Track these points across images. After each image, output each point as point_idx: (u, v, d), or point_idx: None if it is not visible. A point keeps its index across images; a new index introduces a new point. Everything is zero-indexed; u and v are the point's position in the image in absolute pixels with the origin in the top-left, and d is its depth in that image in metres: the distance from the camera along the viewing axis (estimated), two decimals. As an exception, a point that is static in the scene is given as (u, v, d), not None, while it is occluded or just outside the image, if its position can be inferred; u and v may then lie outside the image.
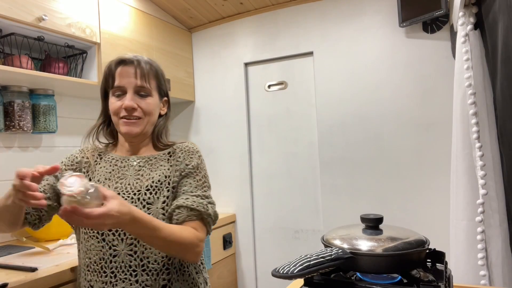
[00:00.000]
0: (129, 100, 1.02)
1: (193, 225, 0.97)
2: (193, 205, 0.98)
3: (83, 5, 1.76)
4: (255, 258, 2.37)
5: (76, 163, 1.10)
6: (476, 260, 1.21)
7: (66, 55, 1.81)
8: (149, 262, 0.97)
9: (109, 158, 1.09)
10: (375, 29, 2.00)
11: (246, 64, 2.40)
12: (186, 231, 0.94)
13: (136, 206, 0.97)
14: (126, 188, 1.02)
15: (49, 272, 1.20)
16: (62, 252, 1.44)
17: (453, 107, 1.36)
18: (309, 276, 0.81)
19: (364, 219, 0.89)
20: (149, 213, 0.96)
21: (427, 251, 0.85)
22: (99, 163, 1.09)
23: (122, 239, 0.97)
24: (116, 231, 0.97)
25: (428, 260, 0.88)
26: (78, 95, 2.06)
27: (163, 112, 1.13)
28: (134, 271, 0.96)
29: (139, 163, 1.06)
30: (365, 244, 0.82)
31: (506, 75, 1.04)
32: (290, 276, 0.76)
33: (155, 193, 1.00)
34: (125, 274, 0.96)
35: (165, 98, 1.13)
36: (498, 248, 1.18)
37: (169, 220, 0.99)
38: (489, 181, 1.20)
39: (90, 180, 1.05)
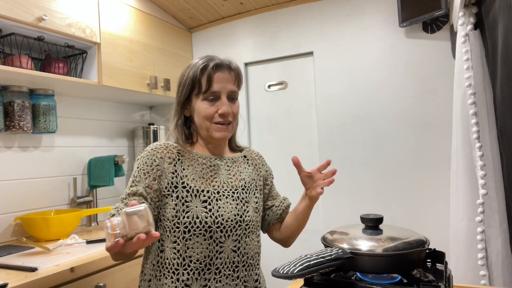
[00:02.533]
0: (227, 106, 1.03)
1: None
2: (289, 203, 1.26)
3: (83, 5, 1.76)
4: (255, 258, 2.37)
5: (157, 165, 1.01)
6: (476, 260, 1.21)
7: (66, 55, 1.81)
8: (248, 257, 1.05)
9: (194, 157, 1.07)
10: (375, 29, 2.00)
11: (246, 64, 2.40)
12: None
13: (238, 204, 1.05)
14: (223, 186, 1.06)
15: (49, 272, 1.20)
16: (62, 252, 1.44)
17: (453, 107, 1.36)
18: (309, 276, 0.81)
19: (364, 219, 0.89)
20: (246, 209, 1.06)
21: (427, 251, 0.85)
22: (184, 162, 1.05)
23: (228, 235, 1.01)
24: (224, 227, 1.00)
25: (428, 260, 0.88)
26: (78, 95, 2.06)
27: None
28: (236, 266, 1.02)
29: (227, 163, 1.11)
30: (365, 244, 0.82)
31: (506, 75, 1.04)
32: (290, 276, 0.77)
33: (248, 193, 1.09)
34: (229, 270, 1.00)
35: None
36: (498, 248, 1.18)
37: (274, 215, 1.20)
38: (489, 181, 1.19)
39: (181, 178, 1.02)
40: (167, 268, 1.00)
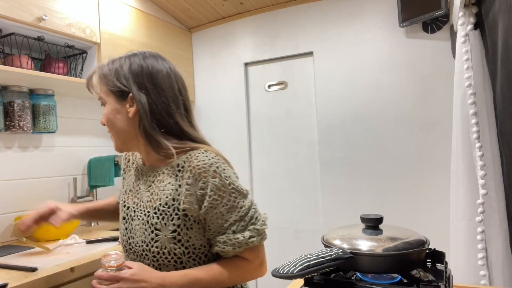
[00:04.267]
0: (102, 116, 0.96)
1: (244, 255, 0.89)
2: (232, 249, 0.87)
3: (83, 5, 1.76)
4: (255, 258, 2.37)
5: (123, 168, 1.10)
6: (476, 260, 1.21)
7: (66, 55, 1.81)
8: None
9: (135, 166, 1.03)
10: (375, 29, 2.00)
11: (246, 64, 2.40)
12: (232, 268, 0.89)
13: (146, 230, 0.89)
14: (140, 205, 0.94)
15: (49, 272, 1.20)
16: (62, 252, 1.44)
17: (453, 107, 1.36)
18: (309, 276, 0.81)
19: (364, 219, 0.89)
20: (157, 240, 0.87)
21: (427, 251, 0.85)
22: (130, 170, 1.04)
23: (139, 261, 0.91)
24: (134, 251, 0.93)
25: (428, 260, 0.88)
26: (78, 95, 2.06)
27: (130, 114, 0.91)
28: None
29: (149, 176, 0.95)
30: (365, 244, 0.82)
31: (506, 75, 1.04)
32: (290, 276, 0.76)
33: (163, 218, 0.88)
34: None
35: (130, 95, 0.91)
36: (498, 248, 1.18)
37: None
38: (489, 181, 1.19)
39: (123, 187, 1.06)
40: None
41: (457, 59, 1.32)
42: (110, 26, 1.90)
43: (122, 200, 1.01)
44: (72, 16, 1.70)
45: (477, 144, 1.21)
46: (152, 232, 0.88)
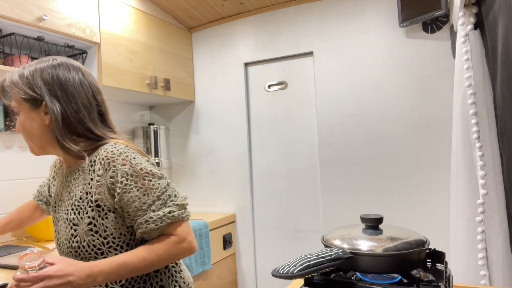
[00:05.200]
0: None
1: (168, 232, 0.90)
2: (155, 225, 0.88)
3: (83, 5, 1.76)
4: (255, 258, 2.37)
5: (51, 176, 1.15)
6: (476, 260, 1.21)
7: (66, 55, 1.81)
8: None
9: (61, 169, 1.05)
10: (375, 29, 2.01)
11: (246, 64, 2.40)
12: (158, 246, 0.89)
13: (66, 228, 0.93)
14: (61, 208, 0.97)
15: (49, 272, 1.20)
16: (62, 252, 1.44)
17: (453, 107, 1.36)
18: (309, 276, 0.81)
19: (364, 219, 0.89)
20: (76, 235, 0.90)
21: (427, 251, 0.85)
22: (58, 175, 1.06)
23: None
24: (62, 251, 0.95)
25: (428, 260, 0.88)
26: (78, 95, 2.05)
27: (46, 121, 0.93)
28: (106, 286, 0.92)
29: (67, 178, 0.99)
30: (365, 244, 0.82)
31: (506, 75, 1.04)
32: (290, 276, 0.76)
33: (79, 213, 0.91)
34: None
35: (44, 103, 0.92)
36: (498, 248, 1.18)
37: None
38: (489, 181, 1.19)
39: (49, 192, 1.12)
40: None
41: (457, 59, 1.32)
42: (110, 26, 1.90)
43: (52, 206, 1.04)
44: (72, 16, 1.70)
45: (477, 144, 1.21)
46: (71, 228, 0.92)
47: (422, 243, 0.83)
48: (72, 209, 0.92)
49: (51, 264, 0.82)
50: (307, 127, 2.22)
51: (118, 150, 0.90)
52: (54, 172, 1.12)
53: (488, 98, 1.22)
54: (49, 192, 1.21)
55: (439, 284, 0.76)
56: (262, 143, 2.36)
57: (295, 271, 0.76)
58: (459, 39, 1.29)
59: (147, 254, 0.88)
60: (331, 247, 0.83)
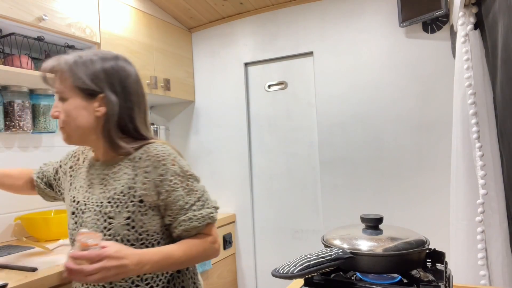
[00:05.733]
0: (53, 108, 0.95)
1: (204, 231, 0.96)
2: (198, 223, 0.93)
3: (83, 5, 1.76)
4: (255, 258, 2.37)
5: (64, 164, 1.12)
6: (476, 260, 1.21)
7: (66, 55, 1.81)
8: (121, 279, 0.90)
9: (87, 163, 1.03)
10: (375, 29, 2.01)
11: (246, 64, 2.40)
12: (197, 242, 0.93)
13: (98, 220, 0.91)
14: (92, 198, 0.95)
15: (49, 272, 1.20)
16: (62, 252, 1.44)
17: (453, 107, 1.36)
18: (309, 276, 0.81)
19: (364, 219, 0.89)
20: (110, 228, 0.90)
21: (427, 251, 0.85)
22: (81, 167, 1.04)
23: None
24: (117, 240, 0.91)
25: (428, 260, 0.88)
26: (78, 95, 2.05)
27: (98, 114, 0.93)
28: (132, 282, 0.92)
29: (103, 170, 0.98)
30: (365, 244, 0.82)
31: (506, 75, 1.04)
32: (290, 276, 0.76)
33: (117, 206, 0.91)
34: (125, 285, 0.92)
35: (102, 95, 0.93)
36: (498, 248, 1.18)
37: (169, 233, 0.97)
38: (489, 181, 1.19)
39: (71, 184, 1.06)
40: None
41: (457, 59, 1.32)
42: (110, 26, 1.90)
43: (71, 196, 1.01)
44: (72, 16, 1.70)
45: (477, 144, 1.21)
46: (105, 220, 0.91)
47: (422, 243, 0.83)
48: (109, 202, 0.92)
49: (103, 247, 0.82)
50: (307, 127, 2.22)
51: (167, 150, 0.95)
52: (73, 163, 1.09)
53: (488, 98, 1.22)
54: (54, 176, 1.18)
55: (439, 284, 0.76)
56: (262, 143, 2.36)
57: (295, 271, 0.76)
58: (459, 39, 1.29)
59: (188, 249, 0.91)
60: (331, 247, 0.83)
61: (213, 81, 2.49)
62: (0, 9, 1.42)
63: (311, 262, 0.77)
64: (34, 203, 1.83)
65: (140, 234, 0.91)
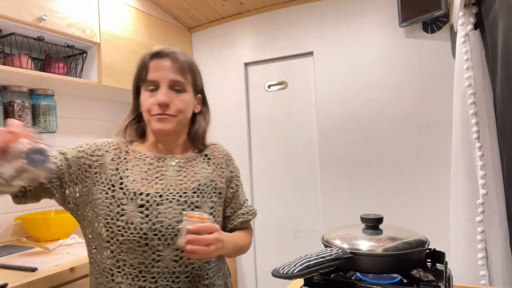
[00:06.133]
0: (164, 95, 0.94)
1: (249, 225, 1.14)
2: (252, 217, 1.10)
3: (83, 5, 1.76)
4: (255, 258, 2.37)
5: (98, 155, 0.96)
6: (476, 260, 1.21)
7: (66, 55, 1.81)
8: (193, 268, 0.94)
9: (141, 156, 1.00)
10: (375, 29, 2.00)
11: (246, 64, 2.40)
12: (248, 234, 1.10)
13: (184, 209, 0.94)
14: (168, 189, 0.95)
15: (49, 272, 1.20)
16: (62, 252, 1.44)
17: (453, 107, 1.36)
18: (309, 276, 0.81)
19: (364, 219, 0.89)
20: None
21: (427, 251, 0.85)
22: (130, 161, 0.98)
23: (168, 244, 0.91)
24: (163, 235, 0.90)
25: (428, 260, 0.88)
26: (78, 95, 2.06)
27: (197, 110, 1.05)
28: (177, 277, 0.91)
29: (178, 163, 1.01)
30: (365, 244, 0.82)
31: (506, 75, 1.04)
32: (290, 276, 0.77)
33: (202, 197, 0.98)
34: (167, 281, 0.90)
35: (199, 95, 1.07)
36: (498, 248, 1.18)
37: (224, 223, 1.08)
38: (489, 181, 1.19)
39: (121, 178, 0.96)
40: (101, 266, 0.94)
41: (457, 59, 1.32)
42: (110, 26, 1.90)
43: (131, 189, 0.93)
44: (72, 16, 1.70)
45: (477, 144, 1.21)
46: (192, 209, 0.96)
47: (422, 243, 0.83)
48: (195, 192, 0.98)
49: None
50: (307, 127, 2.22)
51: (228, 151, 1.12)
52: (115, 155, 0.99)
53: (488, 98, 1.22)
54: (68, 169, 0.96)
55: (439, 284, 0.76)
56: (262, 143, 2.36)
57: (295, 271, 0.76)
58: (459, 39, 1.29)
59: (242, 239, 1.05)
60: (331, 247, 0.83)
61: (213, 81, 2.49)
62: (0, 9, 1.42)
63: (311, 262, 0.77)
64: (34, 203, 1.82)
65: (218, 223, 1.01)
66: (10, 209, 1.73)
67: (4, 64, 1.58)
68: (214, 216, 0.99)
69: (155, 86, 0.96)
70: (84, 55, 1.85)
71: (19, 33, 1.57)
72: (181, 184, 0.97)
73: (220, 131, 2.46)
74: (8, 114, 1.67)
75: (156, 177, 0.97)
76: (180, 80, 0.97)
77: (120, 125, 1.05)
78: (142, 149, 1.02)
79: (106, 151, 0.99)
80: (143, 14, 2.14)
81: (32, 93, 1.77)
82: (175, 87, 0.97)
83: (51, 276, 1.19)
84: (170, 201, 0.94)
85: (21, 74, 1.54)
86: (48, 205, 1.89)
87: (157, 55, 0.98)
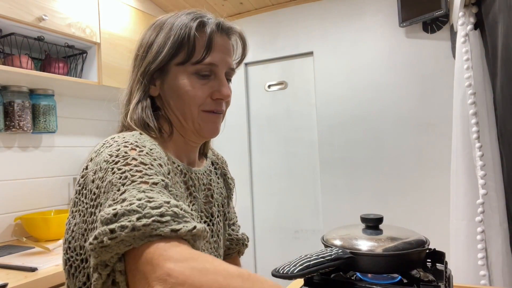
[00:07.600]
0: (226, 86, 0.72)
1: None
2: (245, 241, 0.92)
3: (83, 5, 1.76)
4: (255, 258, 2.37)
5: (168, 173, 0.65)
6: (476, 260, 1.21)
7: (66, 55, 1.81)
8: None
9: (176, 167, 0.71)
10: (375, 29, 2.00)
11: (246, 64, 2.40)
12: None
13: (223, 228, 0.83)
14: (214, 209, 0.79)
15: (49, 272, 1.20)
16: (62, 252, 1.44)
17: (453, 107, 1.36)
18: (309, 276, 0.81)
19: (364, 219, 0.89)
20: (220, 245, 0.82)
21: (427, 251, 0.85)
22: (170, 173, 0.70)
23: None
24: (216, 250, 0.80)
25: (428, 260, 0.88)
26: (78, 95, 2.05)
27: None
28: None
29: (202, 179, 0.77)
30: (365, 244, 0.82)
31: (506, 75, 1.04)
32: (290, 276, 0.76)
33: (228, 212, 0.86)
34: None
35: None
36: (498, 248, 1.18)
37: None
38: (489, 181, 1.19)
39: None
40: None
41: (457, 59, 1.32)
42: (110, 26, 1.90)
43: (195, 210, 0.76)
44: (72, 16, 1.70)
45: (477, 144, 1.21)
46: (229, 227, 0.90)
47: (422, 243, 0.83)
48: (224, 207, 0.86)
49: None
50: (307, 127, 2.22)
51: None
52: (170, 166, 0.72)
53: (488, 98, 1.22)
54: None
55: (439, 284, 0.76)
56: (262, 143, 2.36)
57: (295, 271, 0.76)
58: (459, 39, 1.29)
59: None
60: (331, 247, 0.82)
61: (213, 81, 2.49)
62: (0, 9, 1.42)
63: (311, 262, 0.77)
64: (34, 203, 1.83)
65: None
66: (10, 209, 1.73)
67: (4, 64, 1.58)
68: (229, 226, 0.88)
69: (209, 72, 0.70)
70: (84, 55, 1.85)
71: (19, 33, 1.57)
72: (208, 208, 0.78)
73: (220, 131, 2.46)
74: (8, 114, 1.67)
75: (187, 196, 0.72)
76: (235, 70, 0.76)
77: (130, 112, 0.75)
78: (169, 153, 0.72)
79: (163, 162, 0.68)
80: (143, 14, 2.14)
81: (32, 93, 1.77)
82: (227, 77, 0.75)
83: (51, 276, 1.19)
84: (220, 219, 0.81)
85: (21, 74, 1.54)
86: (48, 205, 1.89)
87: (227, 30, 0.71)
